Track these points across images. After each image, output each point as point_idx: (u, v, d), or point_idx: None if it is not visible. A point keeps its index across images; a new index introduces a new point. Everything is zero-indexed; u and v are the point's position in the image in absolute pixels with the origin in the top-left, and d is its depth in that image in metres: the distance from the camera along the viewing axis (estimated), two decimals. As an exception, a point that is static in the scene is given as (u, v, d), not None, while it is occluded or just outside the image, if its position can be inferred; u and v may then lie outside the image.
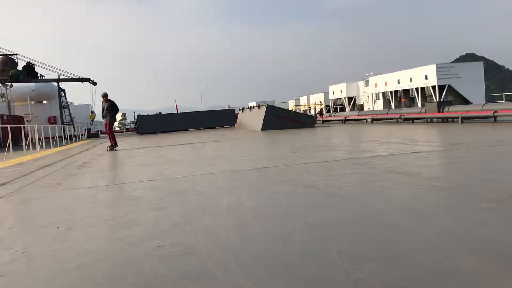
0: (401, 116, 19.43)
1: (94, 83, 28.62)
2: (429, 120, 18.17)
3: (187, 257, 2.29)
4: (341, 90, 37.08)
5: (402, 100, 27.93)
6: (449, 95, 24.02)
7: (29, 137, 15.10)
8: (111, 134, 12.38)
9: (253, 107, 23.02)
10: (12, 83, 26.63)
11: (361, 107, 33.91)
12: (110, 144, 12.21)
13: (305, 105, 43.88)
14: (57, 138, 19.35)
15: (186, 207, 3.58)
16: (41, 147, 15.04)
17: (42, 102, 31.20)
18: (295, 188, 4.12)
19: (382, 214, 2.92)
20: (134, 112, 38.23)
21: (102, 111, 12.48)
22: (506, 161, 5.21)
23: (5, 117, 21.52)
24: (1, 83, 25.86)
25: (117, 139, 13.30)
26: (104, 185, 5.21)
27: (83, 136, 28.29)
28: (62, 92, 28.44)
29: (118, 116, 51.66)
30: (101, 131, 35.06)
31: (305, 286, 1.83)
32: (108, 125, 12.47)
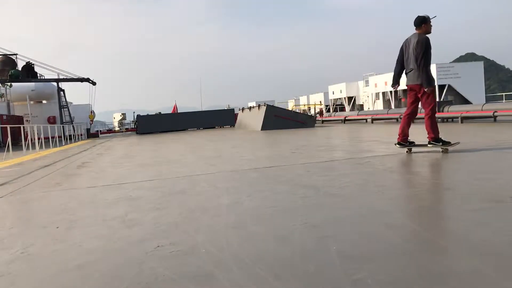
0: (401, 116, 19.44)
1: (94, 83, 28.66)
2: (429, 120, 18.16)
3: (187, 257, 2.29)
4: (341, 90, 37.13)
5: (402, 100, 27.94)
6: (449, 95, 24.06)
7: (29, 137, 15.11)
8: (432, 120, 6.34)
9: (253, 107, 23.00)
10: (12, 83, 26.68)
11: (361, 107, 33.95)
12: (432, 137, 6.36)
13: (305, 105, 43.90)
14: (57, 138, 19.35)
15: (186, 207, 3.58)
16: (41, 147, 15.05)
17: (41, 102, 31.25)
18: (295, 188, 4.11)
19: (382, 214, 2.92)
20: (134, 112, 38.25)
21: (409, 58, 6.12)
22: (506, 161, 5.20)
23: (4, 117, 21.54)
24: (1, 83, 25.87)
25: (117, 139, 12.93)
26: (103, 185, 5.20)
27: (83, 136, 28.31)
28: (62, 92, 28.48)
29: (118, 116, 49.55)
30: (100, 131, 35.03)
31: (305, 286, 1.83)
32: (430, 98, 6.24)
